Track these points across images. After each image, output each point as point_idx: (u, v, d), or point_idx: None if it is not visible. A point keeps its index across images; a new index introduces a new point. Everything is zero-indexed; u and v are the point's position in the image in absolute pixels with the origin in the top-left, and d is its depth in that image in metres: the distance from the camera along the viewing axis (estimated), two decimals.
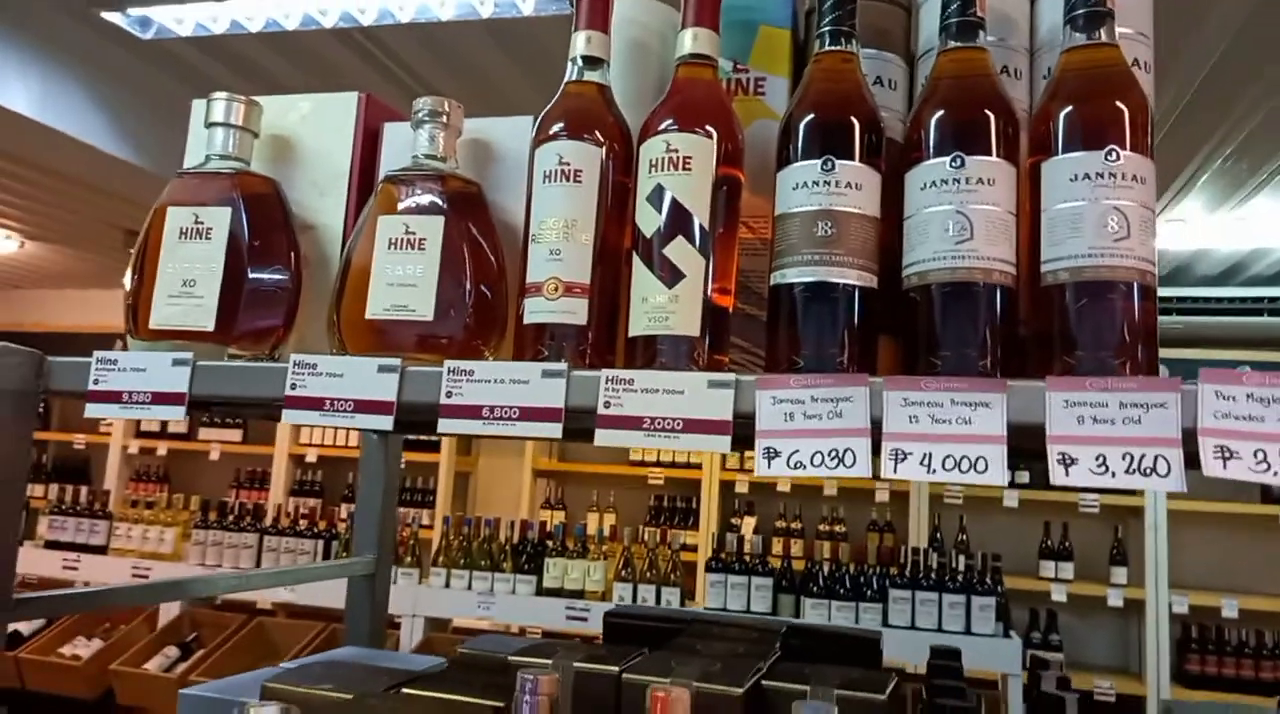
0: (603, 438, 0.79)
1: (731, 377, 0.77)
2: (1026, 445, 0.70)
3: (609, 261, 0.89)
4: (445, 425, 0.83)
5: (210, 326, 0.96)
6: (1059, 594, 4.13)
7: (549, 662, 0.92)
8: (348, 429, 0.94)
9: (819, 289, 0.81)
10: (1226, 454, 0.65)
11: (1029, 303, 0.80)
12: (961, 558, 3.20)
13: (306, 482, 5.28)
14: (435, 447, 5.25)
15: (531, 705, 0.83)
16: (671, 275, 0.83)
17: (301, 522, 3.97)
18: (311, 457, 5.29)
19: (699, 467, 4.78)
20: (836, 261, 0.81)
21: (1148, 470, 0.67)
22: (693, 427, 0.77)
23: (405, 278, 0.91)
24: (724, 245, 0.86)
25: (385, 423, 0.84)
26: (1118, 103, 0.78)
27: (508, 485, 5.24)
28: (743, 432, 0.77)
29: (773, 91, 0.99)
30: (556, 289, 0.87)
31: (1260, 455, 0.65)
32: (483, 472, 5.46)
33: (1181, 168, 3.45)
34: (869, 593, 3.22)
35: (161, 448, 5.67)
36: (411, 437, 5.33)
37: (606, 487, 5.01)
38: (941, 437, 0.71)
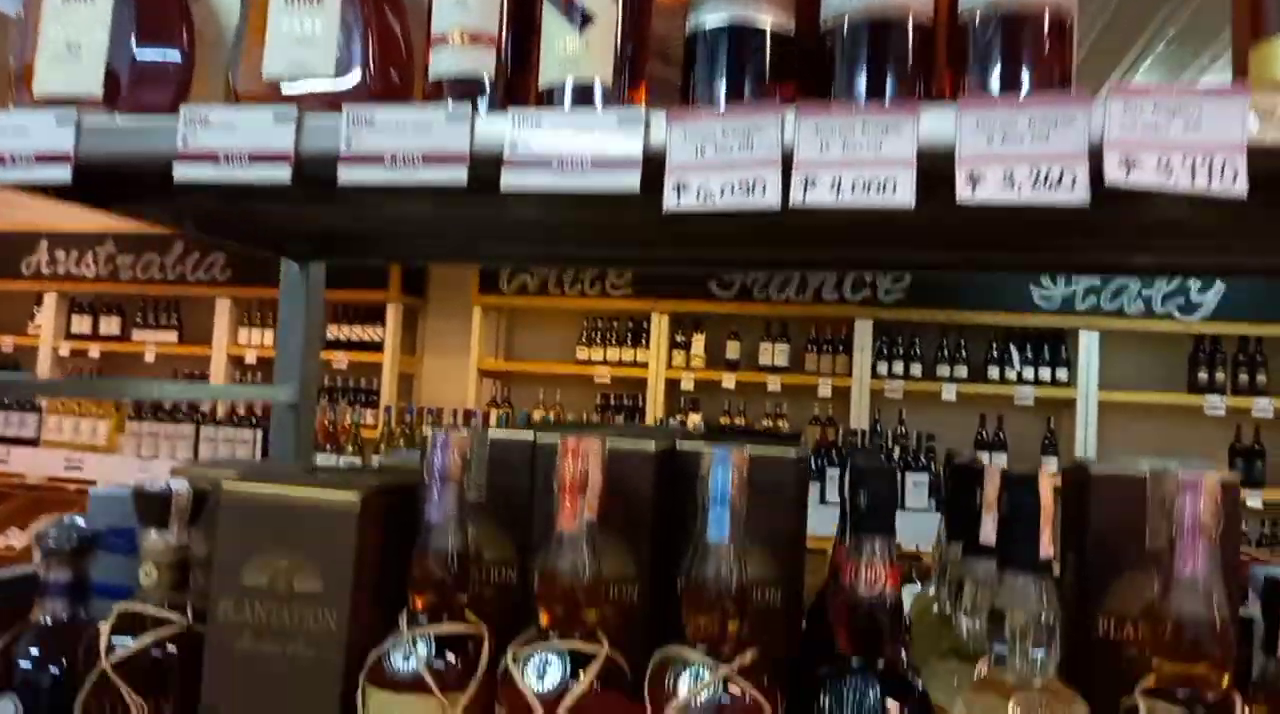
0: (510, 180, 0.76)
1: (641, 110, 0.74)
2: (937, 168, 0.69)
3: (518, 9, 0.85)
4: (346, 174, 0.79)
5: (98, 93, 0.90)
6: None
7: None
8: (246, 183, 0.89)
9: (734, 33, 0.78)
10: (1130, 164, 0.65)
11: (946, 41, 0.78)
12: (897, 447, 3.27)
13: (246, 382, 5.19)
14: (379, 347, 5.19)
15: (442, 459, 0.82)
16: (582, 19, 0.80)
17: (240, 410, 3.91)
18: (251, 357, 5.19)
19: (645, 366, 4.80)
20: (751, 3, 0.78)
21: (1054, 184, 0.66)
22: (601, 164, 0.74)
23: (303, 34, 0.86)
24: None
25: (283, 173, 0.80)
26: None
27: (453, 385, 5.21)
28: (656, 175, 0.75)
29: None
30: (463, 39, 0.83)
31: (1163, 162, 0.64)
32: (427, 372, 5.42)
33: (1124, 54, 3.45)
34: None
35: (94, 349, 5.51)
36: (355, 338, 5.26)
37: (553, 386, 5.01)
38: (852, 162, 0.70)
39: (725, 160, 0.72)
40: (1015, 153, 0.67)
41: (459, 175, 0.77)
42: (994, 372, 4.41)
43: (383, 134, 0.79)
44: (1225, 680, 0.70)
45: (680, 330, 4.83)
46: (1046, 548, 0.72)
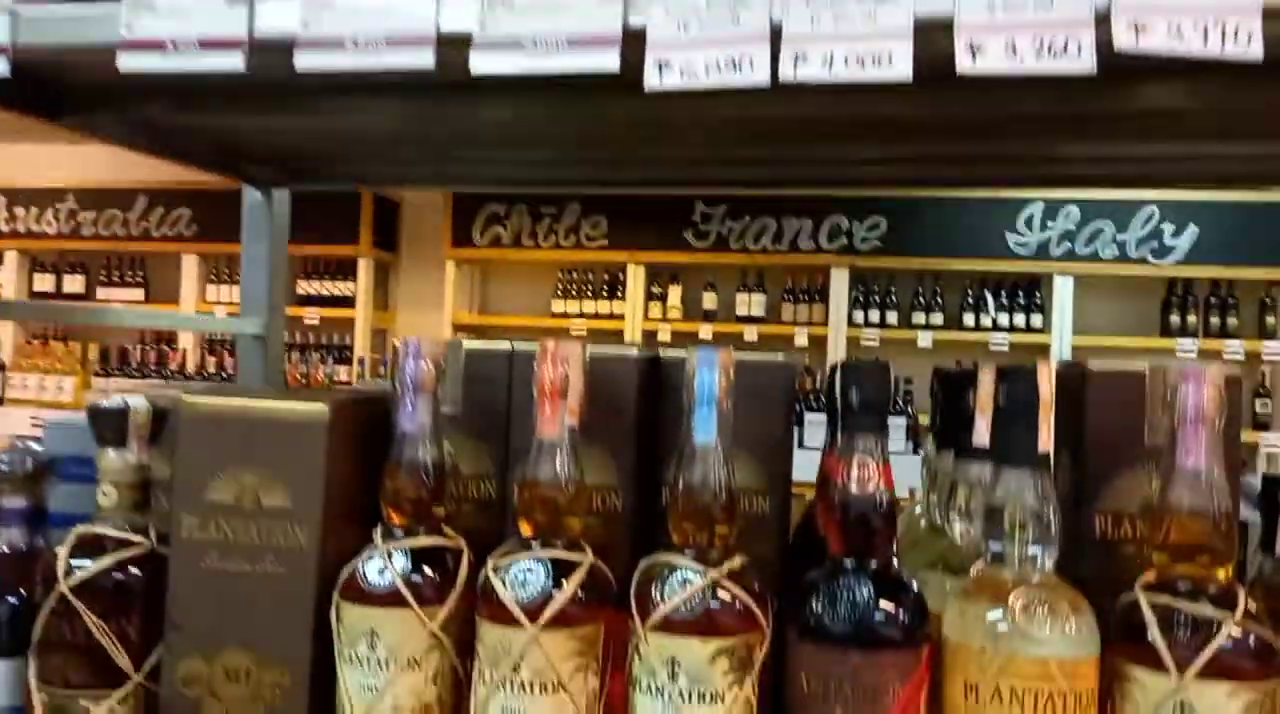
0: (479, 63, 0.71)
1: None
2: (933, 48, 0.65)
3: None
4: (304, 60, 0.74)
5: None
6: None
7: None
8: (197, 74, 0.84)
9: None
10: (1139, 28, 0.61)
11: None
12: None
13: (216, 339, 5.09)
14: (351, 302, 5.11)
15: (415, 368, 0.78)
16: None
17: (210, 364, 3.83)
18: (220, 314, 5.09)
19: (621, 318, 4.76)
20: None
21: (1058, 53, 0.62)
22: (578, 43, 0.70)
23: None
24: None
25: (236, 61, 0.75)
26: None
27: None
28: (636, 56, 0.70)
29: None
30: None
31: (1173, 26, 0.61)
32: (401, 327, 5.34)
33: None
34: None
35: None
36: (326, 293, 5.17)
37: (528, 340, 4.95)
38: (844, 35, 0.66)
39: (710, 37, 0.68)
40: (1018, 20, 0.63)
41: (425, 59, 0.72)
42: (969, 318, 4.41)
43: (343, 16, 0.73)
44: (1227, 574, 0.68)
45: (656, 282, 4.79)
46: (1046, 441, 0.70)
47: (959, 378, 0.87)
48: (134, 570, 0.82)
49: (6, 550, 0.90)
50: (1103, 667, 0.68)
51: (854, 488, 0.72)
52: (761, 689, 0.72)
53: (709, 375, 0.73)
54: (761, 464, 0.82)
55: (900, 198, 4.46)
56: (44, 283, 5.43)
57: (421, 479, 0.77)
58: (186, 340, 5.00)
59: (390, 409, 0.85)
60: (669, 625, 0.71)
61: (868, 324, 4.43)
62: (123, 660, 0.81)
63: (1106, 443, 0.76)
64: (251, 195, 1.39)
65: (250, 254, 1.40)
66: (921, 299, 4.47)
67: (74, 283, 5.43)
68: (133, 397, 0.85)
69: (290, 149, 1.26)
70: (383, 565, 0.76)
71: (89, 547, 0.83)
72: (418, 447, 0.78)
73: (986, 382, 0.79)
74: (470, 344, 0.87)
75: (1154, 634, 0.66)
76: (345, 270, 5.12)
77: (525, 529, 0.76)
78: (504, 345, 0.85)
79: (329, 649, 0.77)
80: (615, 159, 1.23)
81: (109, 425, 0.83)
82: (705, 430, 0.73)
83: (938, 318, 4.44)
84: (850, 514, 0.71)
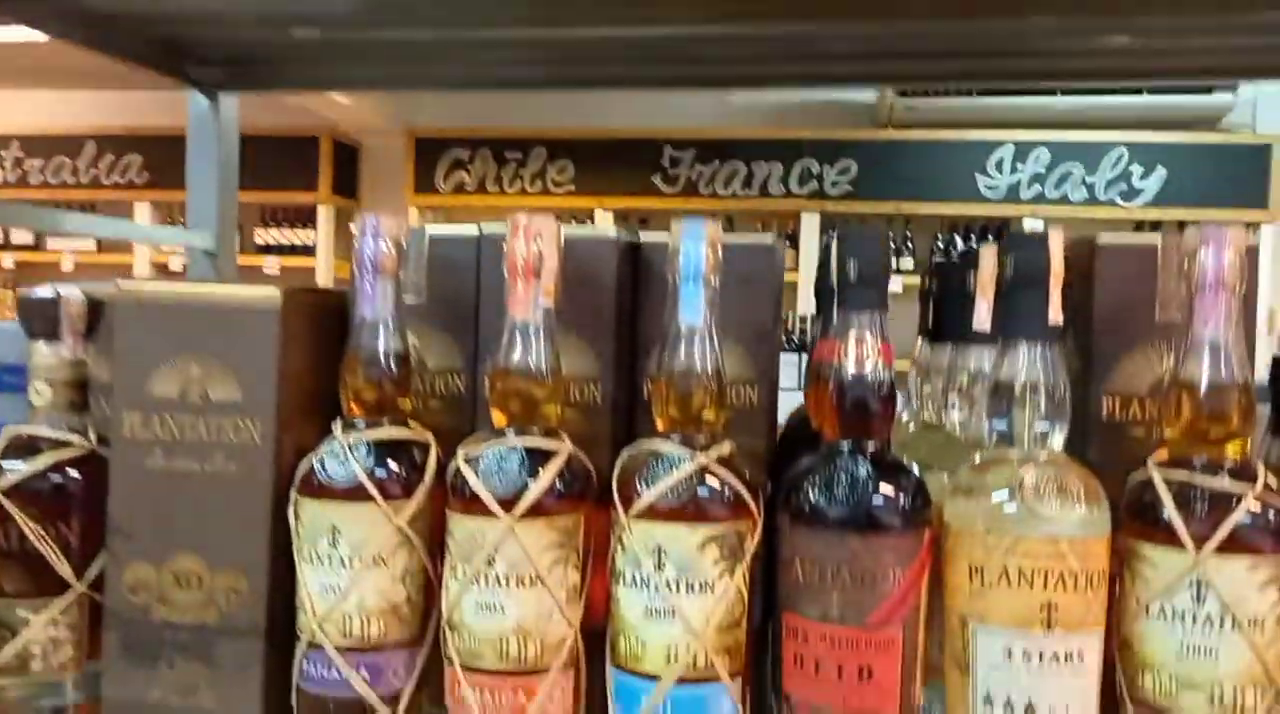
0: None
1: None
2: None
3: None
4: None
5: None
6: None
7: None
8: None
9: None
10: None
11: None
12: None
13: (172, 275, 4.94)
14: (311, 251, 4.99)
15: (374, 247, 0.72)
16: None
17: None
18: (176, 264, 4.95)
19: None
20: None
21: None
22: None
23: None
24: None
25: None
26: None
27: None
28: None
29: None
30: None
31: None
32: None
33: None
34: None
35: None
36: (285, 242, 5.04)
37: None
38: None
39: None
40: None
41: None
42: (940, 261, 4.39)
43: None
44: (1243, 449, 0.64)
45: (625, 227, 4.70)
46: (1056, 313, 0.65)
47: (955, 266, 0.83)
48: (72, 473, 0.76)
49: None
50: (1112, 549, 0.65)
51: (851, 366, 0.67)
52: (752, 580, 0.68)
53: (695, 249, 0.68)
54: (749, 353, 0.77)
55: (871, 139, 4.41)
56: None
57: (384, 367, 0.72)
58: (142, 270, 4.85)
59: (347, 303, 0.79)
60: (655, 513, 0.66)
61: None
62: (63, 568, 0.75)
63: (1115, 321, 0.72)
64: (197, 102, 1.30)
65: (197, 166, 1.31)
66: (892, 243, 4.43)
67: (23, 234, 5.25)
68: (65, 286, 0.78)
69: (237, 46, 1.17)
70: (344, 457, 0.70)
71: (22, 449, 0.76)
72: (378, 334, 0.72)
73: (988, 261, 0.74)
74: (435, 229, 0.80)
75: (1169, 510, 0.62)
76: (304, 218, 4.99)
77: (498, 419, 0.71)
78: (471, 229, 0.79)
79: (286, 551, 0.72)
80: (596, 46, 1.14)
81: (40, 316, 0.76)
82: (692, 309, 0.68)
83: (908, 262, 4.42)
84: (848, 392, 0.67)
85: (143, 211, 5.03)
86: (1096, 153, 4.27)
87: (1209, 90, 4.00)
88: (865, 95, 4.39)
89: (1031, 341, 0.65)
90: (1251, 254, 0.66)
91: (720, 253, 0.69)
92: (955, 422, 0.79)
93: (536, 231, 0.70)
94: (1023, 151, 4.29)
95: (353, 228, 0.75)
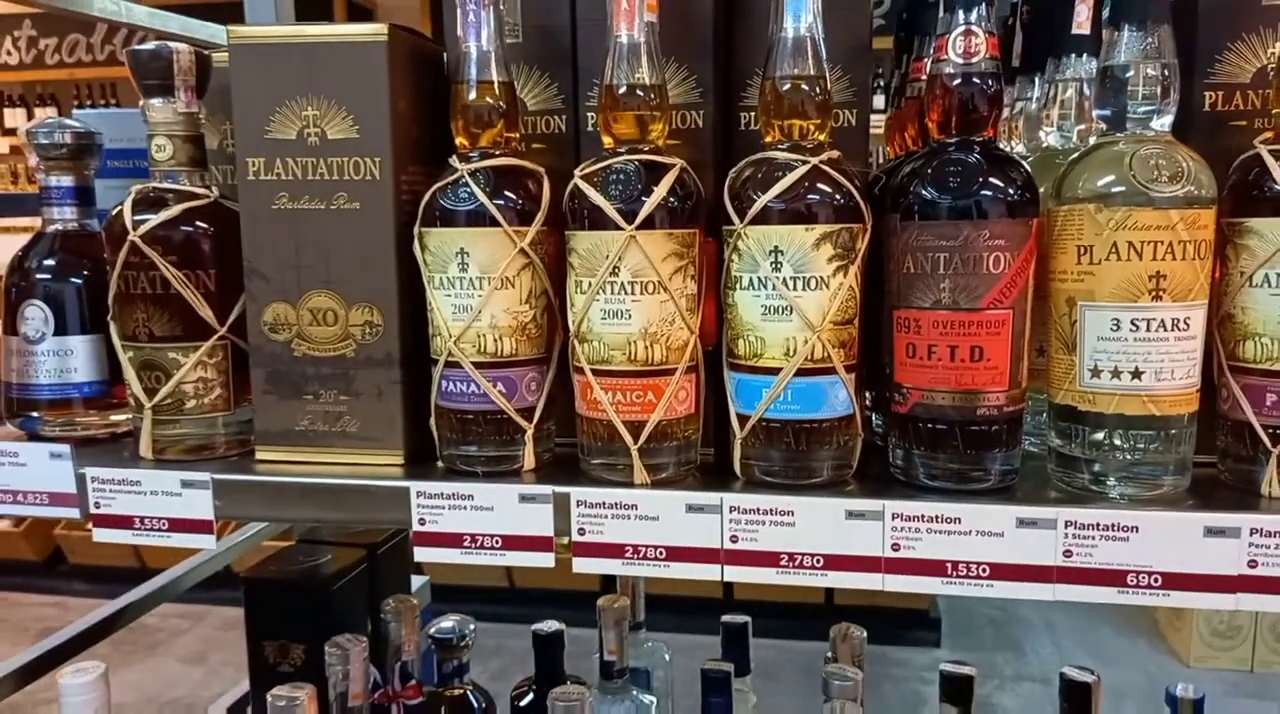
0: None
1: None
2: None
3: None
4: None
5: None
6: None
7: None
8: None
9: None
10: None
11: None
12: None
13: None
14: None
15: None
16: None
17: None
18: None
19: None
20: None
21: None
22: None
23: None
24: None
25: None
26: None
27: None
28: None
29: None
30: None
31: None
32: None
33: None
34: None
35: None
36: None
37: None
38: None
39: None
40: None
41: None
42: None
43: None
44: None
45: None
46: None
47: None
48: (201, 224, 0.79)
49: (62, 229, 0.88)
50: (1216, 226, 0.67)
51: (958, 61, 0.68)
52: (864, 282, 0.71)
53: None
54: (845, 73, 0.78)
55: None
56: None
57: (495, 97, 0.73)
58: None
59: (442, 50, 0.80)
60: (770, 216, 0.68)
61: None
62: (205, 312, 0.79)
63: (1219, 9, 0.72)
64: None
65: None
66: None
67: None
68: (173, 42, 0.79)
69: None
70: (465, 187, 0.73)
71: (151, 203, 0.79)
72: (489, 61, 0.73)
73: None
74: None
75: (1277, 178, 0.64)
76: None
77: (608, 142, 0.73)
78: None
79: (412, 284, 0.76)
80: None
81: (152, 71, 0.78)
82: (798, 11, 0.69)
83: None
84: (956, 86, 0.68)
85: None
86: None
87: None
88: None
89: (1141, 23, 0.66)
90: None
91: None
92: (1057, 128, 0.80)
93: None
94: None
95: None
